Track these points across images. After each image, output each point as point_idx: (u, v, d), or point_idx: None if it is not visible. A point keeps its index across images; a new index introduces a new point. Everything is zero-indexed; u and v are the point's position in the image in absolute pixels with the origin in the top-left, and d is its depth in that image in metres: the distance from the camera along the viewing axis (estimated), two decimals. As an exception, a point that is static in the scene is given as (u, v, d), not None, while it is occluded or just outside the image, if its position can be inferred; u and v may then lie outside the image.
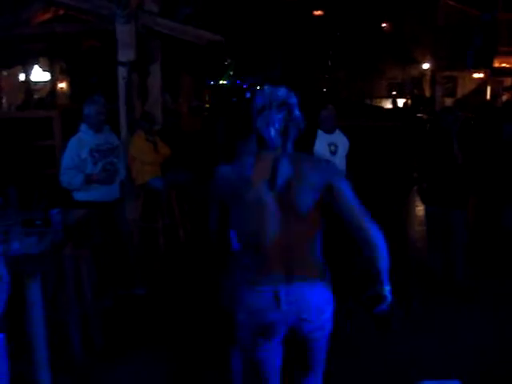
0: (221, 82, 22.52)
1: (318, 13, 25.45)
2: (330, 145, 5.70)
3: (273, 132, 2.47)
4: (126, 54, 7.93)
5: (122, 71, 7.96)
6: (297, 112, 2.52)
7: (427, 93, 30.00)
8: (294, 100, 2.52)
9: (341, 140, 5.83)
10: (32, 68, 14.07)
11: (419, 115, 20.36)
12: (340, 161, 5.68)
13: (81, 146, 5.26)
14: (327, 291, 2.60)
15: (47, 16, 10.19)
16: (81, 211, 4.75)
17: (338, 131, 5.88)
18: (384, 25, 27.29)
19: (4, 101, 14.31)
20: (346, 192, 2.48)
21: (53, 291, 4.40)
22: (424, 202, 5.77)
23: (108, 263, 5.34)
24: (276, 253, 2.49)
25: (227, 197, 2.55)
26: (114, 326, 4.96)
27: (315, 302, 2.55)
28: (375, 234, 2.45)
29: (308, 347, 2.69)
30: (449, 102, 26.17)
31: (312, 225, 2.54)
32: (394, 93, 29.88)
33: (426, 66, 29.71)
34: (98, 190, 5.34)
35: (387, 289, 2.45)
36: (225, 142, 8.21)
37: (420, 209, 8.66)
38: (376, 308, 2.43)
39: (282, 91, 2.51)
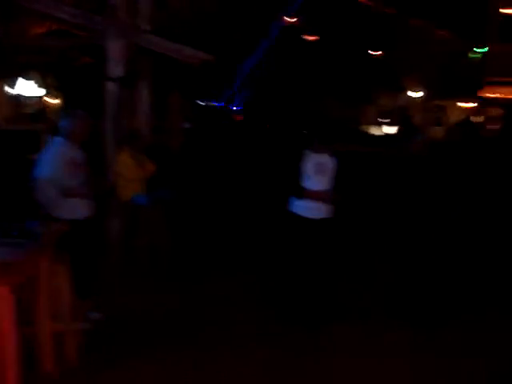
0: (211, 103, 22.58)
1: (311, 38, 25.70)
2: (316, 164, 5.67)
3: None
4: (115, 70, 7.89)
5: (110, 87, 7.93)
6: None
7: (417, 121, 30.10)
8: None
9: (329, 160, 5.78)
10: (23, 82, 13.98)
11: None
12: (327, 181, 5.69)
13: (58, 158, 5.12)
14: None
15: (41, 30, 10.20)
16: (59, 225, 4.68)
17: (326, 152, 5.83)
18: (376, 53, 27.68)
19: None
20: None
21: (27, 305, 4.33)
22: None
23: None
24: None
25: None
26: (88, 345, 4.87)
27: None
28: None
29: None
30: (438, 130, 26.29)
31: None
32: (384, 120, 30.02)
33: (416, 94, 29.90)
34: (75, 208, 5.19)
35: None
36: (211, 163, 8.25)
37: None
38: None
39: None
